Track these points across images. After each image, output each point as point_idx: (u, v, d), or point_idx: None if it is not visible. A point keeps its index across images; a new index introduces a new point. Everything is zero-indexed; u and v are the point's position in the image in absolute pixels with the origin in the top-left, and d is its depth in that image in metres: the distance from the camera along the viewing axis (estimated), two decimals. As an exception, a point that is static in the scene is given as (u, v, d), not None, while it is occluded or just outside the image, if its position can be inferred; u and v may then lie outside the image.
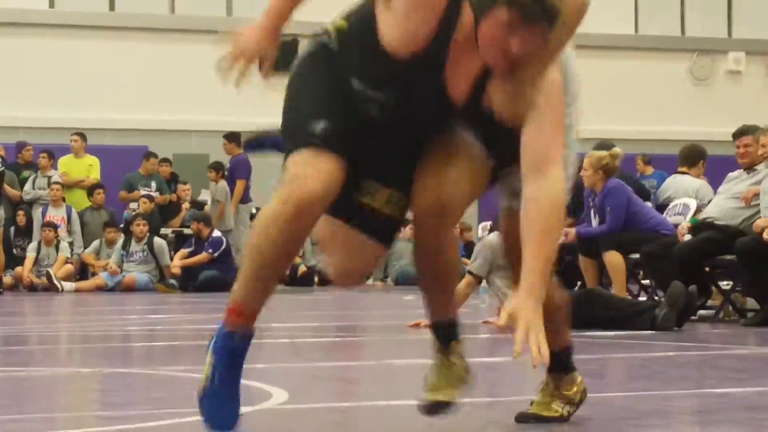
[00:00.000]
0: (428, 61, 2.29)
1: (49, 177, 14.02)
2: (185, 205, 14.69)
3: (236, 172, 13.58)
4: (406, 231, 6.22)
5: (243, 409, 3.09)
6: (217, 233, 13.28)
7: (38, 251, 13.32)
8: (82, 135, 14.46)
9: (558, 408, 2.66)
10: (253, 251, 2.37)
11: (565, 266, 8.39)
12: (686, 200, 8.71)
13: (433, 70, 2.32)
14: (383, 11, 2.28)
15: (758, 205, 7.34)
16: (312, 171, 2.24)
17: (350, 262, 2.59)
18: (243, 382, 4.25)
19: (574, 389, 2.66)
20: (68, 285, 12.66)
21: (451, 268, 2.60)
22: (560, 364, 2.64)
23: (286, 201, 2.25)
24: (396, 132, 2.43)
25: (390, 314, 9.95)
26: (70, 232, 13.79)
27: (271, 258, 2.34)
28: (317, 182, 2.23)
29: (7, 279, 12.81)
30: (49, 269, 12.94)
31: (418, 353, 6.63)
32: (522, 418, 2.65)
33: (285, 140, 2.46)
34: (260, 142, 2.88)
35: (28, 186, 14.21)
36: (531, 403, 2.67)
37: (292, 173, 2.29)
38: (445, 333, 2.58)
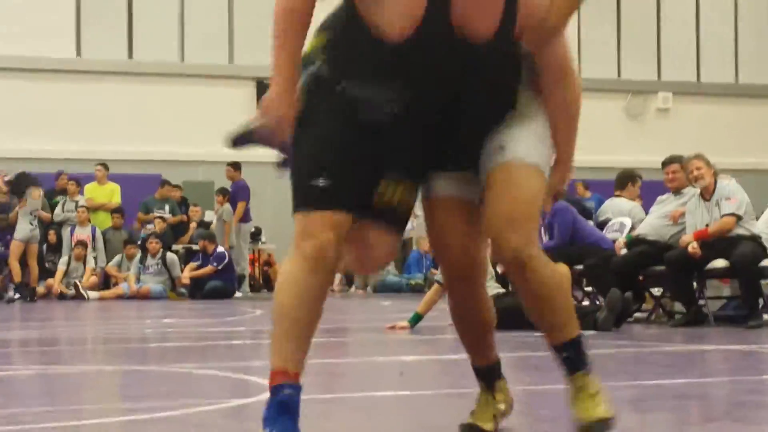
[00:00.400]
0: (431, 27, 2.05)
1: (77, 201, 14.12)
2: (193, 225, 14.78)
3: (237, 196, 13.66)
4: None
5: (242, 401, 3.51)
6: (220, 249, 13.28)
7: (68, 265, 13.37)
8: (105, 165, 14.60)
9: (497, 418, 2.41)
10: (282, 311, 2.13)
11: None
12: (622, 219, 8.59)
13: (440, 27, 2.05)
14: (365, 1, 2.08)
15: (684, 223, 7.32)
16: (320, 226, 2.09)
17: (369, 253, 2.37)
18: (243, 377, 4.18)
19: (503, 397, 2.43)
20: (93, 294, 12.74)
21: (488, 323, 2.42)
22: (494, 374, 2.44)
23: (305, 257, 2.08)
24: (408, 123, 2.20)
25: (370, 318, 9.81)
26: (94, 248, 13.84)
27: (300, 314, 2.12)
28: (328, 233, 2.09)
29: (41, 289, 12.85)
30: (77, 280, 12.98)
31: (395, 352, 6.50)
32: (464, 429, 2.40)
33: (293, 195, 2.22)
34: (247, 137, 2.54)
35: (58, 209, 14.27)
36: (471, 413, 2.42)
37: (305, 230, 2.11)
38: (486, 374, 2.44)
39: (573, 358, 2.20)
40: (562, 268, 6.42)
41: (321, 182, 2.08)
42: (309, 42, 2.23)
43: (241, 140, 2.59)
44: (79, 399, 4.18)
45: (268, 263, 16.21)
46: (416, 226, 13.93)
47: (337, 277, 13.94)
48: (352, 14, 2.12)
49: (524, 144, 2.16)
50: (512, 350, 5.61)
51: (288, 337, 2.09)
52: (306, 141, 2.14)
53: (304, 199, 2.11)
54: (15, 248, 12.66)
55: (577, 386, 2.18)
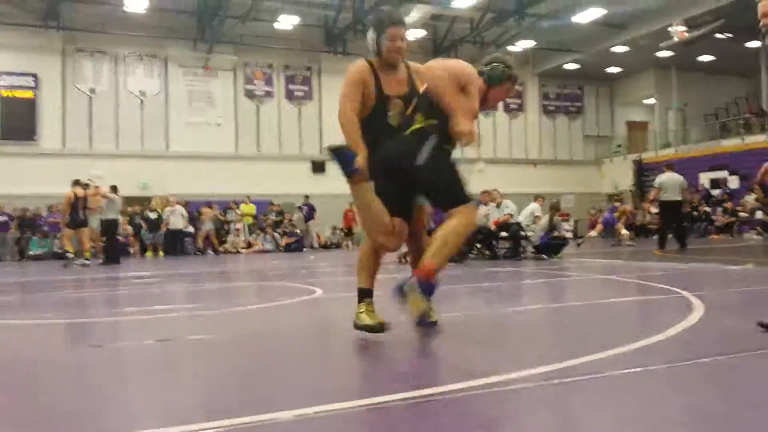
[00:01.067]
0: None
1: (236, 212, 20.32)
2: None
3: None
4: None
5: (303, 298, 5.51)
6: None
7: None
8: (248, 196, 20.32)
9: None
10: (367, 263, 3.42)
11: None
12: None
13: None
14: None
15: (488, 219, 11.69)
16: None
17: (389, 234, 3.25)
18: (297, 285, 6.73)
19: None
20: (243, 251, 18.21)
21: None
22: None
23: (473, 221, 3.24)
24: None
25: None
26: (243, 231, 20.21)
27: (374, 265, 3.43)
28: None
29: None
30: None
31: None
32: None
33: (458, 197, 3.18)
34: (342, 151, 3.15)
35: (229, 215, 19.92)
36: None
37: (473, 211, 3.24)
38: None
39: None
40: None
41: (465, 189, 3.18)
42: (411, 120, 3.24)
43: (338, 151, 3.13)
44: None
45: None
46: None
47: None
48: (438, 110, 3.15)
49: None
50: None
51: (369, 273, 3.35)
52: (451, 170, 3.23)
53: (466, 198, 3.17)
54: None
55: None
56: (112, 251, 13.77)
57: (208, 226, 19.10)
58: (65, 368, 3.03)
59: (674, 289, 5.35)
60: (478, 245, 12.03)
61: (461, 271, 8.72)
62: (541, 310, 4.84)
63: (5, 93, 20.15)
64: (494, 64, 3.29)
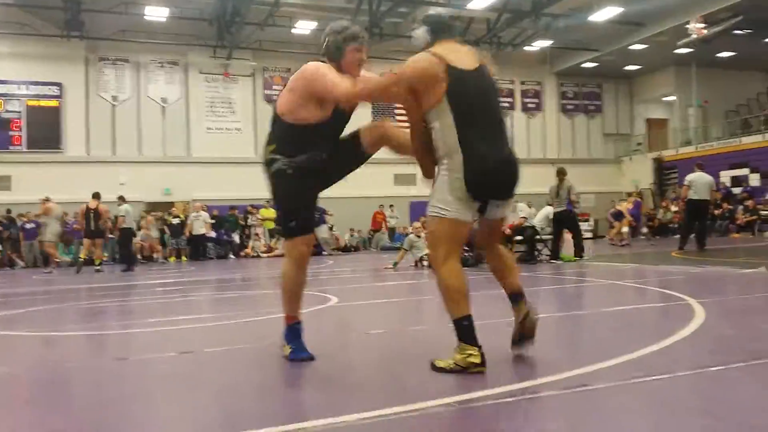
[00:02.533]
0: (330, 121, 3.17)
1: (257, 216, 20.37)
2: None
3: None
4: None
5: (316, 307, 5.25)
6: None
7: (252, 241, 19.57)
8: (268, 201, 20.69)
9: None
10: (290, 287, 3.30)
11: None
12: None
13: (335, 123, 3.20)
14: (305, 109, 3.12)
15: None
16: (299, 245, 3.24)
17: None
18: (313, 293, 6.44)
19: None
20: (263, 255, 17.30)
21: None
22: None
23: (296, 261, 3.25)
24: (327, 164, 3.25)
25: (379, 264, 12.59)
26: (262, 235, 20.31)
27: (297, 288, 3.30)
28: (302, 247, 3.24)
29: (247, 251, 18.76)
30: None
31: (395, 278, 9.45)
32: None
33: (282, 229, 3.33)
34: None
35: (250, 220, 20.09)
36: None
37: (294, 249, 3.25)
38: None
39: (457, 332, 2.86)
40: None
41: (293, 224, 3.21)
42: (264, 152, 3.28)
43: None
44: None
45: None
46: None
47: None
48: (285, 127, 3.18)
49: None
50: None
51: (295, 299, 3.28)
52: (283, 201, 3.26)
53: (288, 232, 3.22)
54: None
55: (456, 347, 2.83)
56: (128, 259, 14.33)
57: (153, 234, 18.52)
58: (91, 381, 3.25)
59: (680, 295, 5.47)
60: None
61: (476, 275, 8.79)
62: (547, 319, 4.98)
63: (31, 102, 20.68)
64: (327, 40, 3.29)
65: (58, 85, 20.91)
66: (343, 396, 2.65)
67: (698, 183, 12.24)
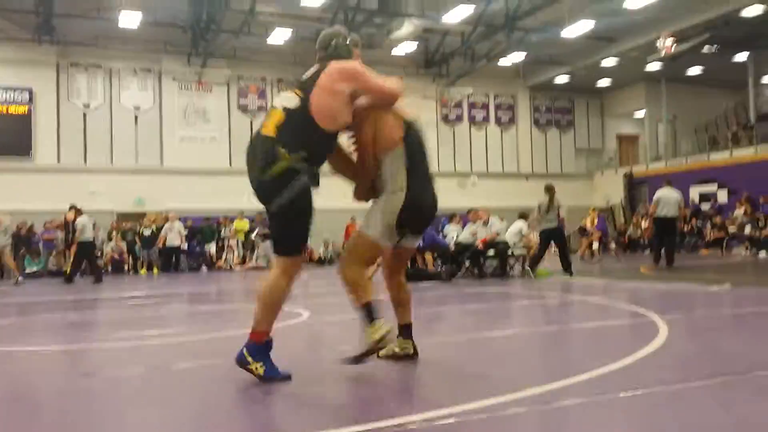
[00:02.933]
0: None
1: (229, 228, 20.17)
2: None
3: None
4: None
5: (286, 323, 5.02)
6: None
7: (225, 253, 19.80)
8: (241, 211, 19.61)
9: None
10: (275, 302, 3.25)
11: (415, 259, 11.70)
12: (452, 233, 12.41)
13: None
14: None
15: (476, 235, 11.54)
16: (300, 262, 3.33)
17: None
18: (286, 309, 4.61)
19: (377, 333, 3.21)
20: (237, 267, 18.34)
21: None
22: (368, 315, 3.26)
23: (291, 278, 3.25)
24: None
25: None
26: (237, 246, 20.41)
27: (283, 302, 3.28)
28: (300, 266, 3.34)
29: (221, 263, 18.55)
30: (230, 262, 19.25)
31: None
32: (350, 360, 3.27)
33: (288, 244, 3.25)
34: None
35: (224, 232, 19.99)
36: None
37: (294, 266, 3.26)
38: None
39: (366, 314, 3.24)
40: (429, 255, 12.52)
41: (303, 240, 3.29)
42: (277, 158, 3.07)
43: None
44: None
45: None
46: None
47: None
48: (321, 134, 3.10)
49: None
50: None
51: (274, 314, 3.25)
52: (302, 216, 3.17)
53: (295, 250, 3.24)
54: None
55: (366, 328, 3.21)
56: (94, 271, 14.24)
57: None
58: (57, 398, 3.24)
59: (646, 312, 5.60)
60: (467, 263, 12.18)
61: (449, 290, 8.92)
62: (512, 336, 5.08)
63: (1, 108, 20.37)
64: (335, 42, 3.46)
65: (29, 90, 20.65)
66: (315, 413, 2.70)
67: (666, 199, 12.40)
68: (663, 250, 12.70)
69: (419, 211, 3.45)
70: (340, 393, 3.24)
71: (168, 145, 22.18)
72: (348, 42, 3.43)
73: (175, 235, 18.30)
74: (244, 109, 23.48)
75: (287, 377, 3.18)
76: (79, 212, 14.46)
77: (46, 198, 19.61)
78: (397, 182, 3.38)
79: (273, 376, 3.11)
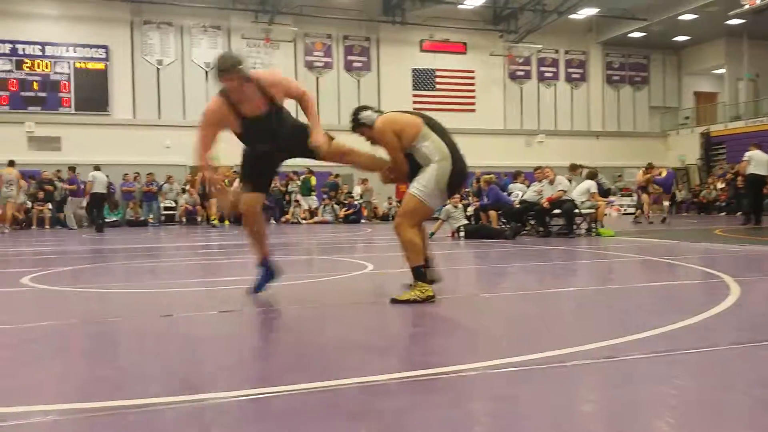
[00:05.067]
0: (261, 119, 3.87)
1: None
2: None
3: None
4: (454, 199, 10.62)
5: (352, 273, 5.68)
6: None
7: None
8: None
9: (411, 295, 3.88)
10: (249, 235, 4.23)
11: (479, 216, 12.13)
12: (517, 191, 12.39)
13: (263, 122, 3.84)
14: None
15: (542, 194, 11.21)
16: (250, 200, 4.09)
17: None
18: (349, 259, 7.52)
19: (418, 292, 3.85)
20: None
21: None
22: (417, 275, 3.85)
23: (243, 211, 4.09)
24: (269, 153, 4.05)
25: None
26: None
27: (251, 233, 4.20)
28: (255, 202, 4.13)
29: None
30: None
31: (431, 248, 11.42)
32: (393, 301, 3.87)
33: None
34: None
35: None
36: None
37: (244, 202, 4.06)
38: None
39: (416, 275, 3.87)
40: (493, 212, 12.41)
41: (249, 185, 4.09)
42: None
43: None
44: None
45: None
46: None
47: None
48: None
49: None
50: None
51: (253, 243, 4.27)
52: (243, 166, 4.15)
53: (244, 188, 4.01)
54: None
55: (414, 286, 3.86)
56: (98, 222, 15.91)
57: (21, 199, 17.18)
58: (136, 335, 3.44)
59: (718, 273, 5.43)
60: (531, 222, 12.00)
61: (513, 248, 8.86)
62: (577, 292, 5.03)
63: (78, 65, 21.12)
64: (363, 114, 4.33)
65: (105, 47, 21.29)
66: (380, 358, 2.77)
67: (758, 158, 12.38)
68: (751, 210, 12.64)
69: (462, 174, 4.09)
70: (403, 339, 3.31)
71: (237, 101, 22.52)
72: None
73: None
74: (310, 66, 23.57)
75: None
76: (96, 168, 16.16)
77: (123, 152, 20.41)
78: (441, 152, 4.01)
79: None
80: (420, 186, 3.97)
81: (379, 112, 4.22)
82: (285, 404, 2.07)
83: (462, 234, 11.25)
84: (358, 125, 4.20)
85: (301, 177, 20.69)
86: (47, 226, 18.05)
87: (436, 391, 2.25)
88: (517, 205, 11.95)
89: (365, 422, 1.90)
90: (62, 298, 4.87)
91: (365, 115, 4.22)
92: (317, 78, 23.61)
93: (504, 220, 12.26)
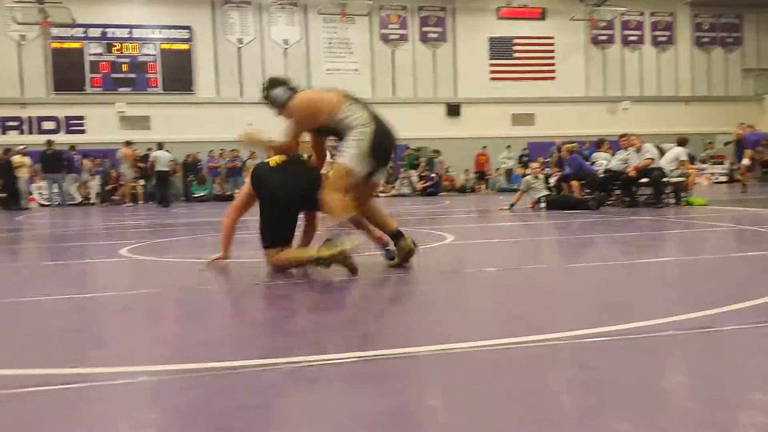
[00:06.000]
0: None
1: None
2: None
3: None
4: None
5: (432, 245, 5.60)
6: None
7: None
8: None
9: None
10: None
11: (561, 186, 11.63)
12: (601, 160, 11.84)
13: None
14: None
15: (628, 163, 10.77)
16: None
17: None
18: (429, 230, 7.08)
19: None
20: None
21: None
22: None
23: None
24: None
25: (496, 203, 12.98)
26: None
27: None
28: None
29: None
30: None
31: (511, 219, 10.15)
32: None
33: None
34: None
35: None
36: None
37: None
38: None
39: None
40: (575, 183, 11.99)
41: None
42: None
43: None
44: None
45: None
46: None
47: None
48: None
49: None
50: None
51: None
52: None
53: None
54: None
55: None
56: (163, 197, 16.94)
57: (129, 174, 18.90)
58: (230, 301, 3.57)
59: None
60: (617, 192, 11.63)
61: (597, 218, 8.61)
62: (666, 263, 4.85)
63: (164, 46, 21.85)
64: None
65: (188, 28, 21.91)
66: (460, 326, 2.76)
67: None
68: None
69: (385, 137, 4.09)
70: (485, 308, 3.29)
71: (315, 77, 22.77)
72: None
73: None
74: (385, 39, 23.48)
75: None
76: (158, 146, 17.45)
77: (207, 129, 21.08)
78: (361, 120, 4.04)
79: None
80: (342, 153, 4.05)
81: (292, 89, 4.23)
82: (393, 366, 2.10)
83: (543, 205, 11.04)
84: (270, 102, 4.21)
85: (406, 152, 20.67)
86: (140, 201, 18.95)
87: (519, 359, 2.20)
88: (602, 175, 11.59)
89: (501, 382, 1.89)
90: (157, 268, 5.09)
91: (276, 93, 4.21)
92: (392, 51, 23.50)
93: (587, 190, 11.86)
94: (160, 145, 17.50)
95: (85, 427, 1.68)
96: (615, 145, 12.47)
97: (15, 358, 2.36)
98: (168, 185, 17.52)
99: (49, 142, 17.91)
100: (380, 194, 19.80)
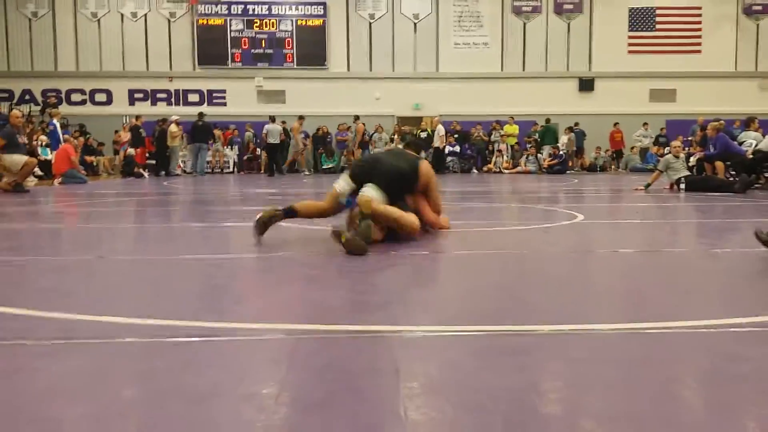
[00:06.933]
0: None
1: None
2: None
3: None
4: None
5: (561, 223, 5.48)
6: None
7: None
8: (512, 117, 21.07)
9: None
10: None
11: (703, 167, 11.09)
12: (750, 140, 11.13)
13: None
14: None
15: None
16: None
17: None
18: (559, 209, 7.08)
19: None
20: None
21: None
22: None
23: None
24: None
25: (631, 183, 12.55)
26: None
27: None
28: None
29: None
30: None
31: (646, 200, 9.74)
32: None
33: None
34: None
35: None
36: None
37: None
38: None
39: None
40: (720, 163, 11.11)
41: None
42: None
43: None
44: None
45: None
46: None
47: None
48: None
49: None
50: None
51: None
52: None
53: None
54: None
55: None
56: (270, 168, 18.28)
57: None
58: (347, 269, 3.63)
59: None
60: (767, 174, 10.72)
61: (743, 202, 7.99)
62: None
63: (300, 21, 22.52)
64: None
65: (323, 4, 22.42)
66: (587, 307, 2.66)
67: None
68: None
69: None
70: (621, 291, 3.15)
71: (443, 51, 22.63)
72: None
73: (436, 138, 19.02)
74: (517, 11, 22.83)
75: None
76: (271, 119, 18.53)
77: (338, 103, 21.59)
78: None
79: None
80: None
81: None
82: (527, 343, 2.08)
83: (683, 186, 10.38)
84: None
85: (504, 126, 20.40)
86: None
87: (653, 344, 2.09)
88: (750, 156, 10.78)
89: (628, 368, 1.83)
90: (290, 234, 5.26)
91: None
92: (524, 24, 22.82)
93: (732, 172, 11.03)
94: (272, 119, 18.40)
95: (230, 373, 1.78)
96: (765, 124, 11.44)
97: (173, 310, 2.54)
98: (276, 157, 18.56)
99: (201, 114, 19.09)
100: (504, 170, 19.45)
